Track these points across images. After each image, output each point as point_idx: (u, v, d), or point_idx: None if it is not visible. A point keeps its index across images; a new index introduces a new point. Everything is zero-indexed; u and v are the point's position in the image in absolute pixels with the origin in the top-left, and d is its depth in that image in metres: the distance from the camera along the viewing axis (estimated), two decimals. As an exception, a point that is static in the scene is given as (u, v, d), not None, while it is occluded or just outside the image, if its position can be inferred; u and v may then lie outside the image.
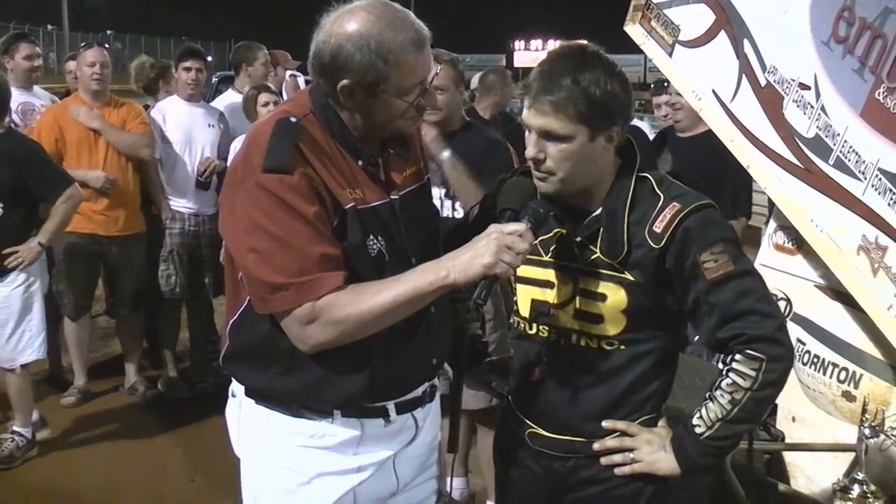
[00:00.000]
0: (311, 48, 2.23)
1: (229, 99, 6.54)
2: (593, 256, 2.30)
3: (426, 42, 2.23)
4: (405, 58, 2.17)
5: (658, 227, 2.23)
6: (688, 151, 5.14)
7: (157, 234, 5.97)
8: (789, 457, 3.52)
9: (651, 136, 6.23)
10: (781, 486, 3.45)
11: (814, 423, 3.39)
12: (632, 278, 2.26)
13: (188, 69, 6.00)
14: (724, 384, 2.21)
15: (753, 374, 2.16)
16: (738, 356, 2.18)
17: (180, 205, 5.96)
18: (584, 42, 2.35)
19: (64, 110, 5.70)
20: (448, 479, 3.21)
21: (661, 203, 2.26)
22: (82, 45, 6.02)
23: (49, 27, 47.68)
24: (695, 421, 2.25)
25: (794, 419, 3.51)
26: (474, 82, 6.93)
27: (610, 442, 2.36)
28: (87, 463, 5.08)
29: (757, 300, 2.20)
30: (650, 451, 2.33)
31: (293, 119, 2.22)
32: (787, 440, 3.53)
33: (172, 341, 6.17)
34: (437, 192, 4.14)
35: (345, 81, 2.18)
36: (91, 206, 5.58)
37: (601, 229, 2.29)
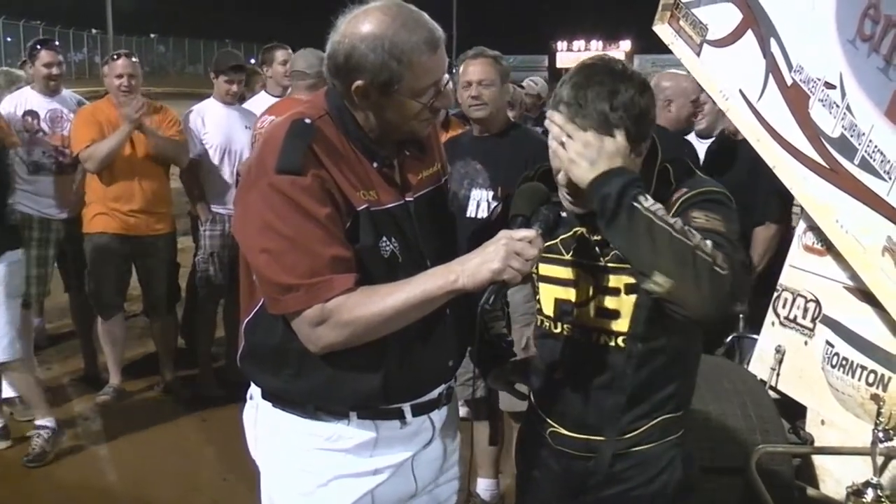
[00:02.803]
0: (327, 49, 2.23)
1: (262, 100, 6.57)
2: (612, 253, 2.29)
3: (440, 43, 2.22)
4: (419, 58, 2.17)
5: None
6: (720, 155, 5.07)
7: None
8: (818, 460, 3.49)
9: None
10: (810, 490, 3.42)
11: (843, 427, 3.36)
12: None
13: (230, 82, 6.09)
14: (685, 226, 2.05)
15: (710, 249, 2.01)
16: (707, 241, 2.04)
17: (220, 207, 5.98)
18: (606, 55, 2.33)
19: (101, 109, 5.73)
20: (472, 476, 3.20)
21: (671, 191, 2.24)
22: (112, 54, 6.08)
23: (94, 30, 48.31)
24: (647, 196, 2.07)
25: (822, 422, 3.48)
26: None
27: (557, 118, 2.20)
28: (120, 460, 5.14)
29: (733, 249, 2.07)
30: (579, 152, 2.15)
31: (308, 120, 2.23)
32: (817, 443, 3.50)
33: (208, 341, 6.22)
34: (484, 195, 4.14)
35: (359, 82, 2.18)
36: (121, 207, 5.65)
37: None
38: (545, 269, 2.44)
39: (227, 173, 5.98)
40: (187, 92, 20.83)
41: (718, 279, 2.01)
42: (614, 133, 2.14)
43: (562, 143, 2.18)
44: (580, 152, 2.15)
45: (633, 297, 2.28)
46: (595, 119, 2.14)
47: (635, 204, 2.04)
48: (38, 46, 6.10)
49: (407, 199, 2.33)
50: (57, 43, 6.49)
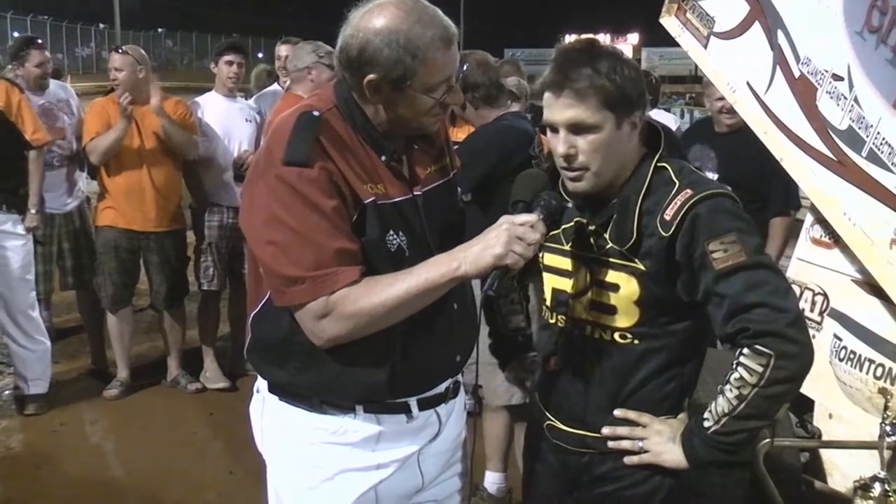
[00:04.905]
0: (338, 42, 2.23)
1: (273, 93, 6.63)
2: (607, 246, 2.29)
3: (454, 39, 2.22)
4: (433, 55, 2.16)
5: (668, 215, 2.19)
6: (733, 145, 5.04)
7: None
8: (826, 454, 3.48)
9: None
10: (817, 484, 3.41)
11: (851, 420, 3.34)
12: (643, 268, 2.24)
13: (230, 63, 6.10)
14: (732, 379, 2.15)
15: (760, 370, 2.10)
16: (745, 350, 2.12)
17: (219, 198, 6.02)
18: (591, 36, 2.34)
19: (110, 104, 5.71)
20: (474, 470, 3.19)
21: (675, 190, 2.22)
22: (114, 47, 6.08)
23: (101, 25, 48.42)
24: (705, 415, 2.21)
25: (830, 416, 3.47)
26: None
27: (620, 430, 2.33)
28: (127, 455, 5.16)
29: (769, 293, 2.12)
30: (659, 442, 2.29)
31: (316, 113, 2.22)
32: (825, 437, 3.48)
33: (213, 334, 6.24)
34: None
35: (371, 76, 2.17)
36: (131, 202, 5.67)
37: (613, 217, 2.28)
38: (548, 259, 2.45)
39: (226, 165, 5.99)
40: (195, 86, 20.84)
41: (784, 360, 2.11)
42: (609, 104, 2.17)
43: (643, 450, 2.31)
44: (659, 441, 2.30)
45: (629, 294, 2.27)
46: (583, 82, 2.16)
47: (717, 437, 2.19)
48: (25, 47, 6.07)
49: (415, 192, 2.33)
50: (40, 40, 6.47)
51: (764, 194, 4.81)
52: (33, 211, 5.44)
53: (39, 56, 6.00)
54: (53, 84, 6.28)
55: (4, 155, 5.36)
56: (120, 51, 5.81)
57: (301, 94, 4.90)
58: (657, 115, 7.07)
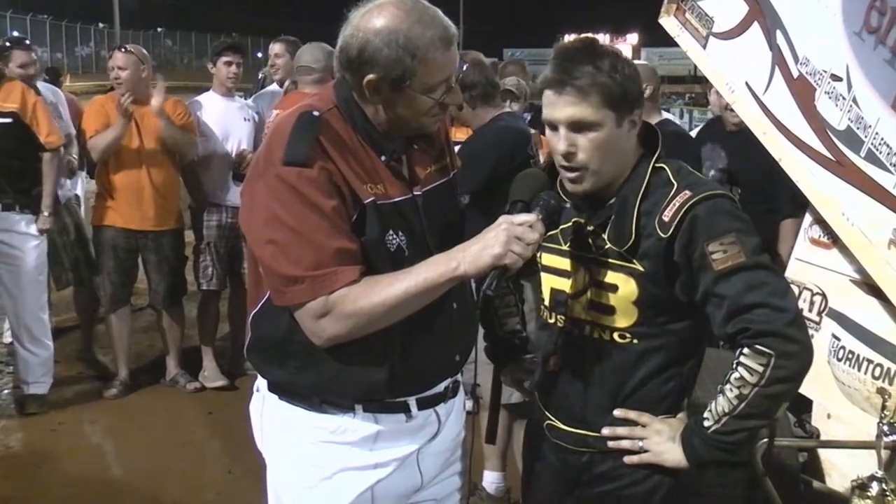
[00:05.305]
0: (338, 42, 2.23)
1: (271, 92, 6.64)
2: (605, 246, 2.29)
3: (453, 40, 2.22)
4: (433, 55, 2.17)
5: (667, 216, 2.20)
6: (742, 144, 5.01)
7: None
8: (824, 454, 3.48)
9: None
10: (816, 484, 3.41)
11: (849, 420, 3.34)
12: (641, 268, 2.24)
13: (228, 63, 6.10)
14: (732, 378, 2.16)
15: (761, 369, 2.11)
16: (745, 350, 2.13)
17: (217, 198, 6.03)
18: (590, 35, 2.35)
19: (110, 102, 5.74)
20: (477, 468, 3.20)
21: (673, 191, 2.23)
22: (116, 46, 6.07)
23: (101, 24, 48.43)
24: (705, 414, 2.22)
25: (829, 416, 3.47)
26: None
27: (620, 430, 2.34)
28: (127, 454, 5.18)
29: (768, 293, 2.13)
30: (658, 442, 2.30)
31: (316, 113, 2.23)
32: (823, 437, 3.48)
33: (212, 334, 6.25)
34: None
35: (371, 76, 2.18)
36: (129, 201, 5.69)
37: (611, 217, 2.28)
38: (546, 259, 2.45)
39: (224, 164, 6.00)
40: (194, 86, 20.83)
41: (785, 359, 2.12)
42: (610, 102, 2.18)
43: (643, 450, 2.32)
44: (659, 441, 2.30)
45: (627, 295, 2.28)
46: (585, 80, 2.17)
47: (717, 436, 2.20)
48: (8, 45, 6.05)
49: (415, 192, 2.33)
50: (28, 41, 6.43)
51: (772, 193, 4.79)
52: (46, 213, 5.45)
53: (23, 57, 6.00)
54: (42, 87, 6.27)
55: (18, 156, 5.40)
56: (123, 49, 5.83)
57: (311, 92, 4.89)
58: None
